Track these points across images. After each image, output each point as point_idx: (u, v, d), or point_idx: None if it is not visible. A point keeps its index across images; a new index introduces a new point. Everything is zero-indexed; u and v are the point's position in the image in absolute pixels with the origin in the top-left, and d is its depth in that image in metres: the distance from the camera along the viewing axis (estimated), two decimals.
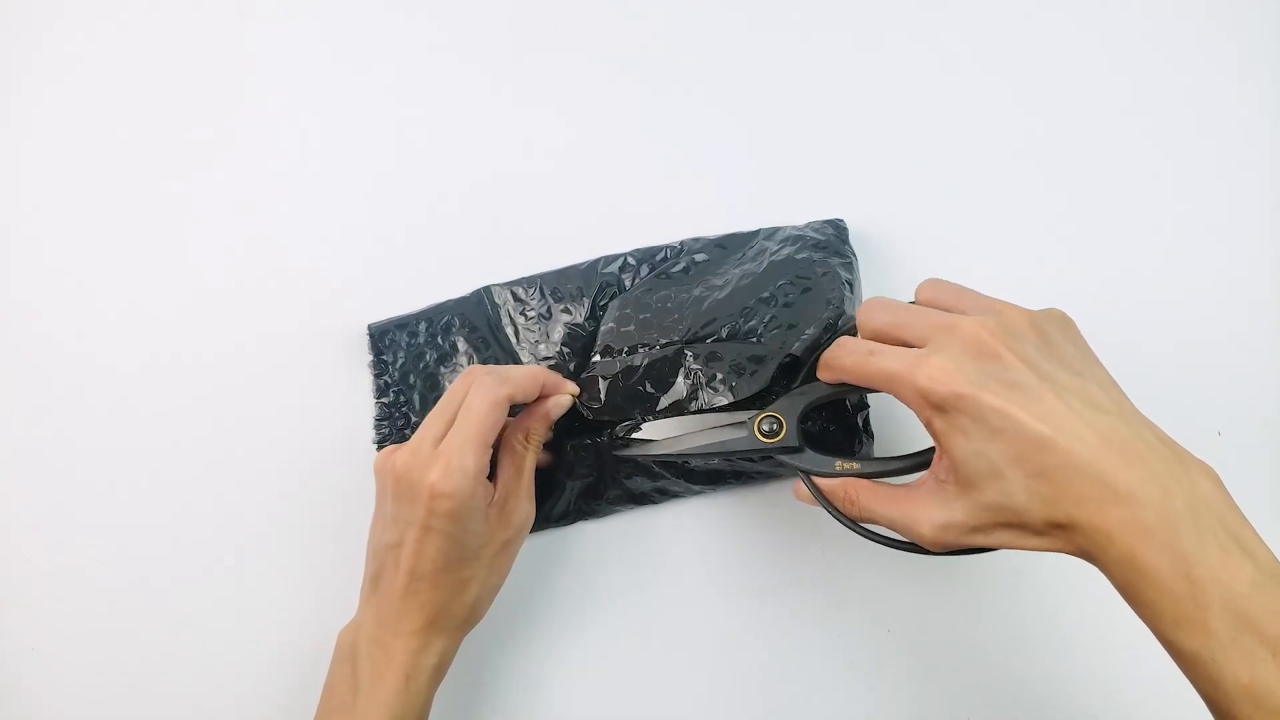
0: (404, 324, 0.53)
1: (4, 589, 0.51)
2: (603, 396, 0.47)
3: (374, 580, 0.44)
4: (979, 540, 0.36)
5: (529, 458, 0.46)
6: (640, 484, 0.50)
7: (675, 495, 0.51)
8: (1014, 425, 0.34)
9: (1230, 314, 0.53)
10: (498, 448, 0.46)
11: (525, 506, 0.46)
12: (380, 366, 0.52)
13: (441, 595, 0.43)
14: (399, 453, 0.43)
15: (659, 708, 0.50)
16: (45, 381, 0.54)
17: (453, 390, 0.45)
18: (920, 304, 0.40)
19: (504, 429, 0.46)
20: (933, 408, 0.36)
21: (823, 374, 0.42)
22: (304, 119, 0.56)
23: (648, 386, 0.47)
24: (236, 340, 0.54)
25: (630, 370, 0.47)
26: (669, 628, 0.51)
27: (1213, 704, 0.32)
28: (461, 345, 0.52)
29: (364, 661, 0.43)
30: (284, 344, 0.54)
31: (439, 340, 0.52)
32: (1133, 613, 0.34)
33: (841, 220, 0.52)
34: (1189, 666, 0.32)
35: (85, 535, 0.52)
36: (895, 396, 0.38)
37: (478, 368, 0.46)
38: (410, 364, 0.52)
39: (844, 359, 0.40)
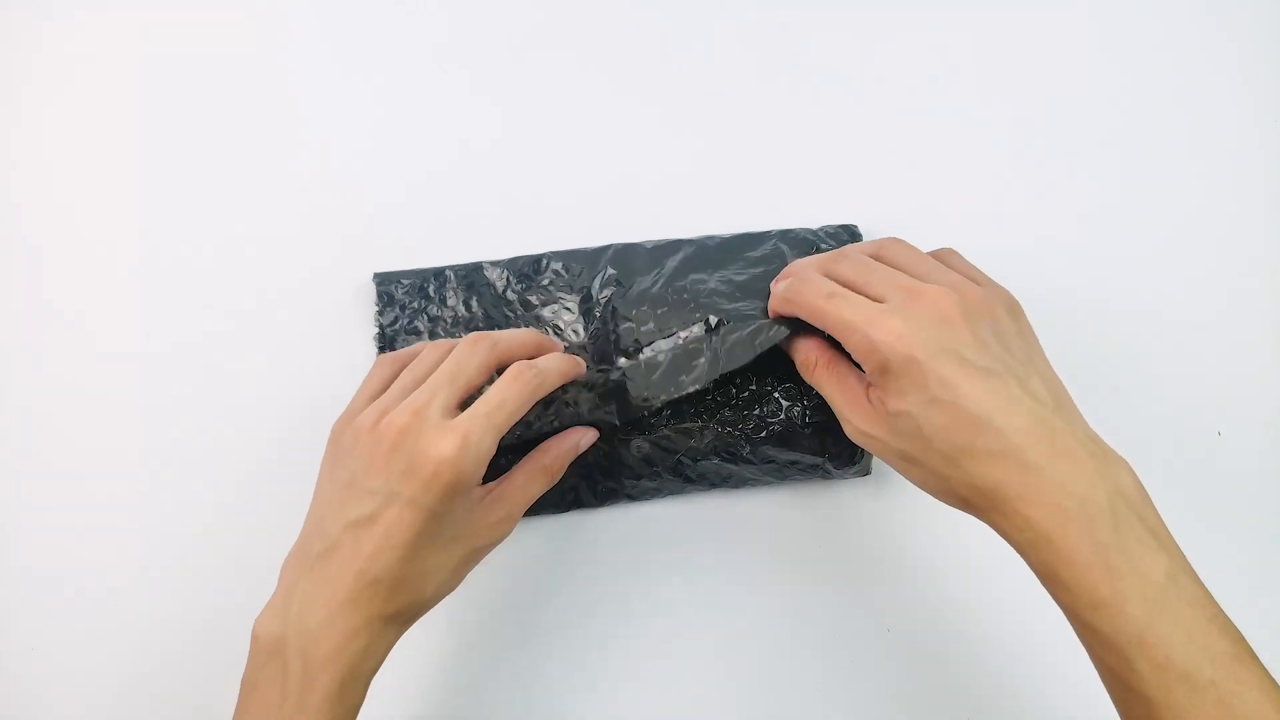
0: (412, 276, 0.52)
1: (4, 589, 0.51)
2: (633, 400, 0.47)
3: (318, 559, 0.37)
4: (893, 465, 0.40)
5: (543, 485, 0.44)
6: (638, 484, 0.50)
7: (671, 494, 0.51)
8: (955, 399, 0.36)
9: (1230, 314, 0.53)
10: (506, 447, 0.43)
11: (509, 525, 0.42)
12: (385, 314, 0.51)
13: (403, 584, 0.37)
14: (393, 414, 0.38)
15: (658, 707, 0.50)
16: (41, 363, 0.53)
17: (461, 357, 0.40)
18: (882, 260, 0.42)
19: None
20: (879, 364, 0.38)
21: (776, 305, 0.44)
22: (310, 71, 0.57)
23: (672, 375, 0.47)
24: (235, 327, 0.53)
25: (652, 365, 0.47)
26: (668, 627, 0.50)
27: (1120, 680, 0.34)
28: (475, 307, 0.51)
29: (294, 658, 0.36)
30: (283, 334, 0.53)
31: (447, 299, 0.51)
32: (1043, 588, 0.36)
33: (855, 226, 0.52)
34: (1103, 647, 0.34)
35: (86, 534, 0.52)
36: (843, 344, 0.39)
37: (502, 355, 0.42)
38: (416, 316, 0.51)
39: (804, 294, 0.41)
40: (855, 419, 0.40)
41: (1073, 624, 0.36)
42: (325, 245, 0.54)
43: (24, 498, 0.52)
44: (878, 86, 0.56)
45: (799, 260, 0.46)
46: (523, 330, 0.45)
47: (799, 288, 0.42)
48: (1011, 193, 0.55)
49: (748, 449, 0.48)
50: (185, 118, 0.56)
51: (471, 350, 0.41)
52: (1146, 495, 0.36)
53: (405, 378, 0.41)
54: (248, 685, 0.38)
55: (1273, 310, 0.53)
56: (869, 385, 0.40)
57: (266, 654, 0.37)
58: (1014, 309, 0.40)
